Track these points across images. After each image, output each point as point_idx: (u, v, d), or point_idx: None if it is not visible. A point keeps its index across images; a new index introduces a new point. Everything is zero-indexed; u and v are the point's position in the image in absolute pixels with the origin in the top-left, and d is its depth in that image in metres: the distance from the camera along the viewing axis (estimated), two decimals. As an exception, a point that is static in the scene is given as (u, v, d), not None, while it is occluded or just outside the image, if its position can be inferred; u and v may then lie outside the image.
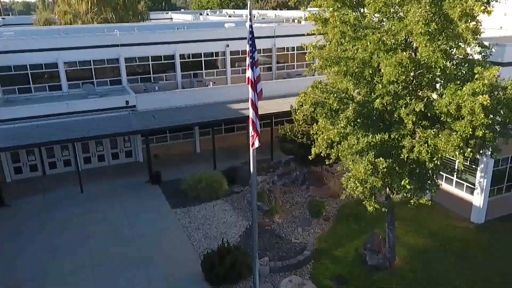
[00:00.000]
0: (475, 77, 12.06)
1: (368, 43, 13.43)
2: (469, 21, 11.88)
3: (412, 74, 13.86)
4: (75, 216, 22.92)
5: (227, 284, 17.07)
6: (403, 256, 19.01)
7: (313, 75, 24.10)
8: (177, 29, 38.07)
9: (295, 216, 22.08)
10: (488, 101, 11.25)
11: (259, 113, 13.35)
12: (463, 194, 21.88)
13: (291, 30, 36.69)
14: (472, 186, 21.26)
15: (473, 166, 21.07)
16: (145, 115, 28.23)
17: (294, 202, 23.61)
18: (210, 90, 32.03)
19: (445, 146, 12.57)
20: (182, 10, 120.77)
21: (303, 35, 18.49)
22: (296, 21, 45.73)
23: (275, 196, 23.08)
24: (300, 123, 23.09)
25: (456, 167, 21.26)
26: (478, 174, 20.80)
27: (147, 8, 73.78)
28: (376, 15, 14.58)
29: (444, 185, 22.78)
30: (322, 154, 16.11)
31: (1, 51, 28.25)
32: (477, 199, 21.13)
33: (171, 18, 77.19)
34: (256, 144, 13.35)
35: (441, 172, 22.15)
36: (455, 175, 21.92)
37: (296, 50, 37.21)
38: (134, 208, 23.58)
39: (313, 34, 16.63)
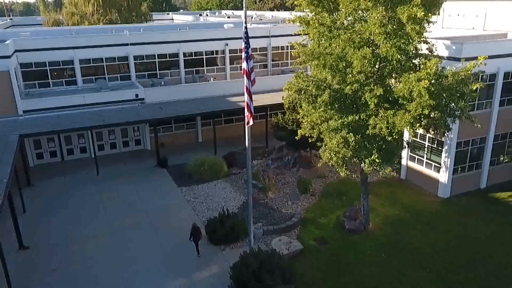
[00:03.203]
0: (421, 67, 15.32)
1: (340, 41, 16.69)
2: (416, 22, 15.11)
3: (377, 66, 17.18)
4: (92, 194, 26.13)
5: (227, 244, 20.33)
6: (377, 223, 22.27)
7: (305, 71, 27.35)
8: (180, 29, 41.31)
9: (286, 193, 25.35)
10: (428, 85, 14.50)
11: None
12: (431, 172, 25.16)
13: (285, 30, 39.80)
14: (439, 165, 24.55)
15: (439, 148, 24.35)
16: (152, 107, 31.50)
17: (286, 181, 26.86)
18: (211, 84, 35.29)
19: (399, 122, 15.85)
20: (181, 10, 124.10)
21: (296, 35, 21.53)
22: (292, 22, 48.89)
23: (269, 176, 26.36)
24: (287, 106, 26.23)
25: (425, 146, 24.73)
26: (443, 154, 24.08)
27: (149, 9, 76.92)
28: (348, 18, 17.83)
29: (416, 166, 26.16)
30: (306, 135, 19.38)
31: (24, 49, 31.42)
32: (443, 176, 24.41)
33: (172, 19, 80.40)
34: (251, 122, 16.64)
35: (412, 154, 25.65)
36: (425, 155, 25.26)
37: (290, 49, 40.41)
38: (144, 187, 26.81)
39: (300, 34, 19.88)
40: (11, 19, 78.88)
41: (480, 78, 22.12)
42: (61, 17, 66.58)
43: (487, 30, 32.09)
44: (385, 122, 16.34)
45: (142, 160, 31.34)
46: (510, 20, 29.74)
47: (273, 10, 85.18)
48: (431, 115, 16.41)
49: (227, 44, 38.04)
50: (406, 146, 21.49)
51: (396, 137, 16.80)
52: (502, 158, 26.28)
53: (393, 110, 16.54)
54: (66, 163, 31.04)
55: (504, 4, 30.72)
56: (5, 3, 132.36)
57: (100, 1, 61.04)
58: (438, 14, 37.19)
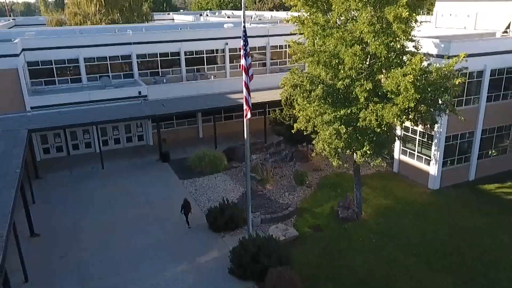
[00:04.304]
0: (407, 63, 16.50)
1: (333, 39, 17.87)
2: (402, 22, 16.28)
3: (367, 62, 18.36)
4: (98, 187, 27.28)
5: (227, 231, 21.50)
6: (369, 213, 23.43)
7: (303, 69, 28.53)
8: (181, 29, 42.46)
9: (283, 185, 26.54)
10: (413, 79, 15.67)
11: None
12: (422, 165, 26.33)
13: (282, 30, 40.96)
14: (429, 158, 25.71)
15: (429, 142, 25.52)
16: (155, 104, 32.66)
17: (283, 174, 28.05)
18: (211, 82, 36.50)
19: (387, 115, 17.02)
20: (181, 10, 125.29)
21: (293, 34, 22.60)
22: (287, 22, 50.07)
23: (267, 169, 27.52)
24: (284, 103, 27.40)
25: (416, 139, 25.95)
26: (433, 147, 25.25)
27: (150, 9, 78.08)
28: (341, 18, 19.00)
29: (408, 159, 27.34)
30: (301, 128, 20.53)
31: (31, 48, 32.61)
32: (433, 169, 25.58)
33: (173, 19, 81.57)
34: (249, 115, 17.82)
35: (404, 148, 26.83)
36: (416, 149, 26.44)
37: (288, 48, 41.46)
38: (148, 180, 27.99)
39: (295, 34, 21.05)
40: (13, 19, 79.94)
41: (468, 75, 23.46)
42: (63, 17, 67.75)
43: (478, 30, 33.29)
44: (374, 115, 17.51)
45: (145, 154, 32.51)
46: (498, 20, 30.95)
47: (273, 10, 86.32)
48: (418, 109, 17.56)
49: (227, 43, 39.23)
50: (397, 139, 22.61)
51: (385, 129, 17.94)
52: (491, 152, 27.45)
53: (382, 104, 17.71)
54: (71, 158, 32.11)
55: (494, 4, 31.94)
56: (6, 3, 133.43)
57: (103, 1, 62.21)
58: (432, 14, 38.49)
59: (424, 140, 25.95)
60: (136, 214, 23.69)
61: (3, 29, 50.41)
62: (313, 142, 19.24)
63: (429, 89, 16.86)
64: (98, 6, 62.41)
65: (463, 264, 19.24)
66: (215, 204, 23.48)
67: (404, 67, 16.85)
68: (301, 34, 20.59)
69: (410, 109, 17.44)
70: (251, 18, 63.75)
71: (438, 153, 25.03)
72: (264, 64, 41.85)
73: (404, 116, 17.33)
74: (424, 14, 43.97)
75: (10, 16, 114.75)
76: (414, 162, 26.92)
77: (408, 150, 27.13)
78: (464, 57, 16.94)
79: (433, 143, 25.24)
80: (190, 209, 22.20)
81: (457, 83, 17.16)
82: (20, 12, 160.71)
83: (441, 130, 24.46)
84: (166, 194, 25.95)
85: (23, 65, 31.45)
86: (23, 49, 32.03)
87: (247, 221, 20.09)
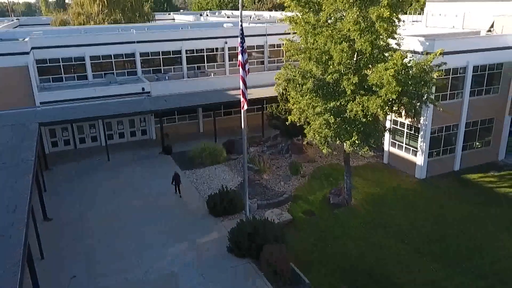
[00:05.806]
0: (389, 59, 18.16)
1: (323, 37, 19.50)
2: (384, 21, 17.91)
3: (354, 58, 20.00)
4: (104, 177, 28.90)
5: (226, 216, 23.12)
6: (359, 199, 25.05)
7: (297, 66, 30.14)
8: (182, 28, 44.05)
9: (279, 174, 28.18)
10: (394, 73, 17.31)
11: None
12: (410, 156, 27.96)
13: (280, 29, 42.23)
14: (416, 150, 27.33)
15: (416, 134, 27.15)
16: (158, 99, 34.27)
17: (279, 165, 29.68)
18: (211, 79, 38.11)
19: (372, 106, 18.66)
20: (181, 10, 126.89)
21: (288, 33, 24.08)
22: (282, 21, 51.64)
23: (264, 160, 29.16)
24: (280, 98, 29.01)
25: (404, 132, 27.57)
26: (419, 139, 26.88)
27: (151, 9, 79.64)
28: (330, 17, 20.63)
29: (396, 151, 28.98)
30: (295, 120, 22.15)
31: (39, 46, 34.17)
32: (419, 159, 27.21)
33: (173, 19, 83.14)
34: (245, 107, 19.47)
35: (393, 140, 28.48)
36: (404, 141, 28.09)
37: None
38: (152, 170, 29.62)
39: (289, 33, 22.68)
40: (17, 19, 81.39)
41: (451, 71, 25.11)
42: (66, 17, 69.36)
43: (466, 29, 34.92)
44: (360, 106, 19.14)
45: (148, 148, 34.14)
46: (484, 19, 32.60)
47: (271, 10, 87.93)
48: (402, 101, 19.20)
49: (226, 42, 40.83)
50: (387, 132, 24.19)
51: (371, 119, 19.57)
52: (475, 144, 29.07)
53: (367, 96, 19.34)
54: (78, 151, 33.82)
55: (479, 4, 33.60)
56: (8, 3, 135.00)
57: (105, 2, 63.83)
58: (423, 13, 40.14)
59: (411, 132, 27.59)
60: (140, 202, 25.18)
61: (8, 28, 51.96)
62: (305, 131, 20.87)
63: (410, 82, 18.48)
64: (101, 6, 64.05)
65: (449, 250, 20.54)
66: (214, 191, 25.03)
67: (387, 62, 18.48)
68: (295, 32, 22.23)
69: (393, 101, 19.06)
70: (250, 18, 65.28)
71: (424, 144, 26.66)
72: (262, 62, 43.44)
73: (387, 107, 18.96)
74: (416, 13, 45.65)
75: (11, 16, 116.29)
76: (402, 153, 28.55)
77: (397, 142, 28.77)
78: (440, 53, 18.57)
79: (419, 135, 26.86)
80: (180, 180, 25.56)
81: (435, 76, 18.80)
82: (21, 12, 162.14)
83: (426, 122, 26.08)
84: (169, 184, 27.49)
85: (33, 63, 33.02)
86: (32, 48, 33.60)
87: (244, 205, 21.70)
